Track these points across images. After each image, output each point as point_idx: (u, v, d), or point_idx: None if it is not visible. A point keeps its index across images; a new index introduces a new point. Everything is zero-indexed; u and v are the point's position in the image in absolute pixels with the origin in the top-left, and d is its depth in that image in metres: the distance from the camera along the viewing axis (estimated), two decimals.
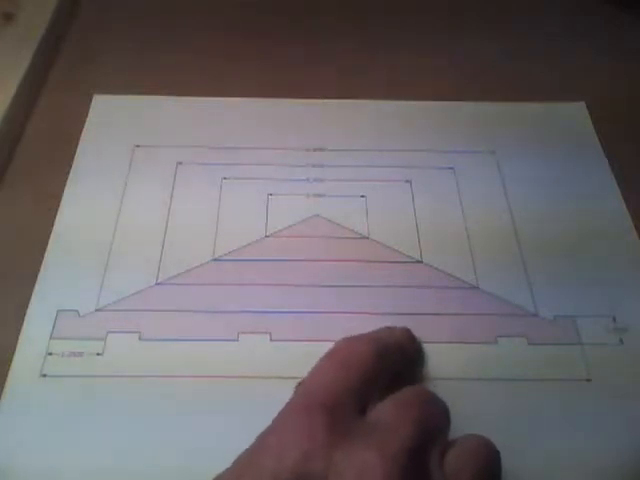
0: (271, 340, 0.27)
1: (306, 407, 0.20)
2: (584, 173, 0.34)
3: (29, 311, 0.28)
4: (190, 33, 0.41)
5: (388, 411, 0.20)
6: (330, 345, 0.27)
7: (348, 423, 0.20)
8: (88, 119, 0.36)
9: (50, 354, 0.27)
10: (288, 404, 0.21)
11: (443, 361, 0.27)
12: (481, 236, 0.31)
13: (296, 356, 0.27)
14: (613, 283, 0.30)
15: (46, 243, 0.30)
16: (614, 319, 0.28)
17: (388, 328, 0.26)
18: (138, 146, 0.34)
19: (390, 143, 0.35)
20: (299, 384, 0.22)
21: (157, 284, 0.29)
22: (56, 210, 0.32)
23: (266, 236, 0.31)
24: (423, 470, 0.19)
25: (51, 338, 0.27)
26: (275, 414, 0.25)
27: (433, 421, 0.20)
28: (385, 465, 0.18)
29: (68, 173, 0.33)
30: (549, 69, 0.40)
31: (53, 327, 0.27)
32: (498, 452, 0.21)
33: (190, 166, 0.34)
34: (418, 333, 0.28)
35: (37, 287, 0.29)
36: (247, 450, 0.20)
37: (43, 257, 0.30)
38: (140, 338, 0.27)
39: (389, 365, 0.23)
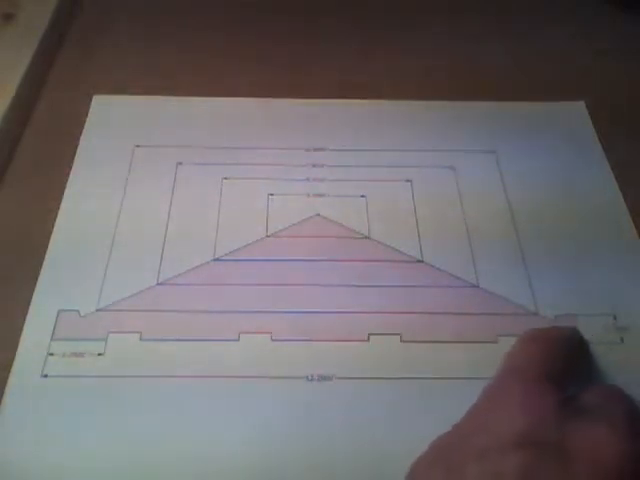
0: (272, 340, 0.27)
1: (535, 378, 0.21)
2: (584, 172, 0.34)
3: (30, 311, 0.28)
4: (190, 33, 0.41)
5: (596, 396, 0.22)
6: (331, 345, 0.27)
7: (570, 397, 0.21)
8: (88, 119, 0.36)
9: (51, 354, 0.27)
10: (509, 371, 0.23)
11: (443, 360, 0.27)
12: (481, 235, 0.31)
13: (297, 356, 0.27)
14: (614, 282, 0.30)
15: (47, 243, 0.30)
16: (615, 318, 0.28)
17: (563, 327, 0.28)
18: (138, 146, 0.34)
19: (390, 143, 0.35)
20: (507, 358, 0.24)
21: (158, 284, 0.29)
22: (56, 210, 0.32)
23: (267, 236, 0.31)
24: None
25: (52, 339, 0.27)
26: (276, 414, 0.25)
27: (635, 406, 0.22)
28: (618, 434, 0.19)
29: (68, 173, 0.33)
30: (549, 69, 0.40)
31: (54, 327, 0.27)
32: None
33: (190, 166, 0.34)
34: (419, 333, 0.28)
35: (38, 287, 0.29)
36: (476, 406, 0.21)
37: (44, 257, 0.30)
38: (141, 338, 0.27)
39: (577, 355, 0.25)
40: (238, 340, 0.27)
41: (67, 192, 0.32)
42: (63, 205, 0.32)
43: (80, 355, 0.27)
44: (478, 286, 0.29)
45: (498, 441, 0.19)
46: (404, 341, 0.28)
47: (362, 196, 0.33)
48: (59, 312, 0.28)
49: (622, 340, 0.28)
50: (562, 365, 0.23)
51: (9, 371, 0.26)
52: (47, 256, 0.30)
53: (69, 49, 0.40)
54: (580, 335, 0.27)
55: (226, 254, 0.30)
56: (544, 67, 0.40)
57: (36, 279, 0.29)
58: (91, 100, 0.37)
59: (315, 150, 0.35)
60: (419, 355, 0.27)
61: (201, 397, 0.26)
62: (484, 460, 0.19)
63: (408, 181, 0.34)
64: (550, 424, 0.19)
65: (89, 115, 0.36)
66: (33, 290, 0.29)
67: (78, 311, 0.28)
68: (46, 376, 0.26)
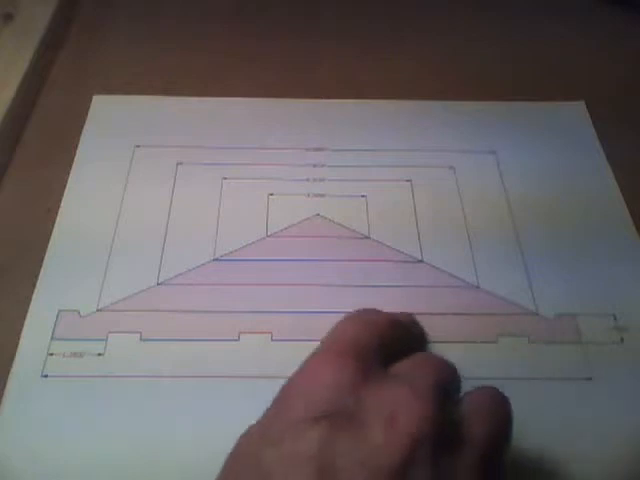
0: (272, 340, 0.27)
1: (335, 352, 0.21)
2: (584, 172, 0.34)
3: (30, 311, 0.28)
4: (190, 33, 0.41)
5: (407, 366, 0.21)
6: None
7: (375, 370, 0.20)
8: (88, 119, 0.36)
9: (51, 354, 0.27)
10: (314, 353, 0.21)
11: None
12: (481, 235, 0.31)
13: (297, 356, 0.27)
14: (614, 282, 0.30)
15: (47, 243, 0.30)
16: (615, 318, 0.28)
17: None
18: (138, 146, 0.34)
19: (390, 143, 0.35)
20: (322, 340, 0.23)
21: (158, 284, 0.29)
22: (57, 210, 0.32)
23: (267, 236, 0.31)
24: (446, 409, 0.19)
25: (52, 338, 0.27)
26: None
27: (448, 372, 0.21)
28: (418, 398, 0.18)
29: (68, 173, 0.33)
30: (549, 69, 0.40)
31: (54, 327, 0.27)
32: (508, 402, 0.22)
33: (190, 166, 0.34)
34: None
35: (38, 287, 0.29)
36: (275, 398, 0.20)
37: (44, 257, 0.30)
38: (141, 338, 0.27)
39: (400, 334, 0.24)
40: (238, 340, 0.27)
41: (67, 192, 0.32)
42: (63, 205, 0.32)
43: (80, 355, 0.27)
44: (478, 286, 0.29)
45: (295, 421, 0.18)
46: None
47: (362, 196, 0.33)
48: (59, 312, 0.28)
49: (622, 340, 0.28)
50: (374, 342, 0.21)
51: (9, 371, 0.26)
52: (47, 256, 0.30)
53: (69, 49, 0.40)
54: (410, 318, 0.26)
55: (226, 254, 0.30)
56: (544, 67, 0.40)
57: (36, 279, 0.29)
58: (91, 100, 0.37)
59: (315, 150, 0.35)
60: None
61: (201, 397, 0.26)
62: (281, 443, 0.18)
63: (408, 181, 0.34)
64: (347, 394, 0.19)
65: (89, 115, 0.36)
66: (33, 290, 0.29)
67: (78, 311, 0.28)
68: (46, 376, 0.26)
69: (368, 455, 0.17)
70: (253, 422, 0.25)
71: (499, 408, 0.21)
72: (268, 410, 0.20)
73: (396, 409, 0.18)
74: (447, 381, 0.21)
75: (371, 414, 0.18)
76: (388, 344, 0.22)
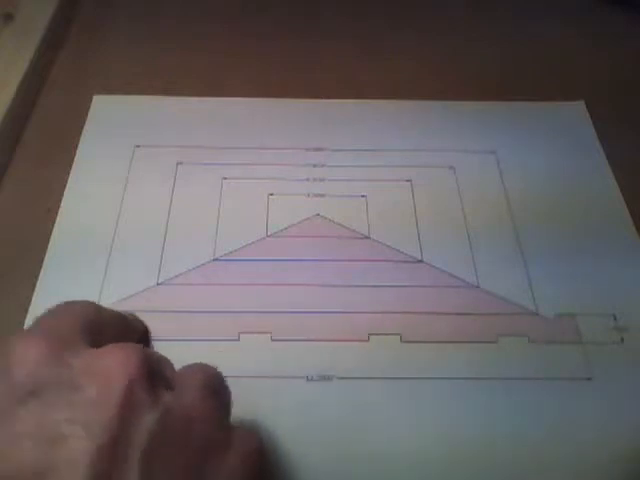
0: (272, 340, 0.27)
1: (26, 333, 0.20)
2: (584, 172, 0.34)
3: (30, 312, 0.28)
4: (190, 33, 0.41)
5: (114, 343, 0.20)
6: (331, 345, 0.27)
7: (75, 344, 0.19)
8: (88, 119, 0.36)
9: None
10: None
11: (443, 360, 0.27)
12: (481, 235, 0.31)
13: (297, 356, 0.27)
14: (614, 282, 0.30)
15: (47, 244, 0.30)
16: (615, 318, 0.28)
17: None
18: (138, 146, 0.34)
19: (390, 143, 0.35)
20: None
21: (158, 284, 0.29)
22: (57, 210, 0.32)
23: (267, 236, 0.31)
24: (153, 362, 0.19)
25: None
26: (275, 414, 0.25)
27: (154, 351, 0.21)
28: (122, 349, 0.19)
29: (68, 173, 0.33)
30: (549, 69, 0.40)
31: None
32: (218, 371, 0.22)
33: (190, 166, 0.34)
34: (419, 333, 0.28)
35: (38, 288, 0.29)
36: None
37: (44, 257, 0.30)
38: None
39: (112, 323, 0.23)
40: (238, 340, 0.27)
41: (67, 192, 0.32)
42: (63, 205, 0.32)
43: None
44: (478, 286, 0.29)
45: (2, 408, 0.17)
46: (404, 341, 0.28)
47: (362, 196, 0.33)
48: None
49: (622, 340, 0.28)
50: (73, 324, 0.20)
51: None
52: (47, 256, 0.30)
53: (69, 49, 0.40)
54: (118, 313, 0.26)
55: (226, 254, 0.30)
56: (544, 67, 0.40)
57: (36, 279, 0.29)
58: (91, 100, 0.37)
59: (315, 150, 0.35)
60: (419, 355, 0.27)
61: None
62: None
63: (408, 181, 0.34)
64: (48, 363, 0.18)
65: (89, 115, 0.36)
66: (33, 290, 0.29)
67: None
68: None
69: (87, 413, 0.17)
70: (253, 421, 0.25)
71: (204, 364, 0.22)
72: None
73: (103, 364, 0.18)
74: (153, 352, 0.21)
75: (81, 377, 0.18)
76: (94, 332, 0.21)
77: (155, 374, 0.19)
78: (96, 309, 0.23)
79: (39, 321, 0.21)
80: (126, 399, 0.17)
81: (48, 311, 0.22)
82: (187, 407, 0.19)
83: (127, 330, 0.25)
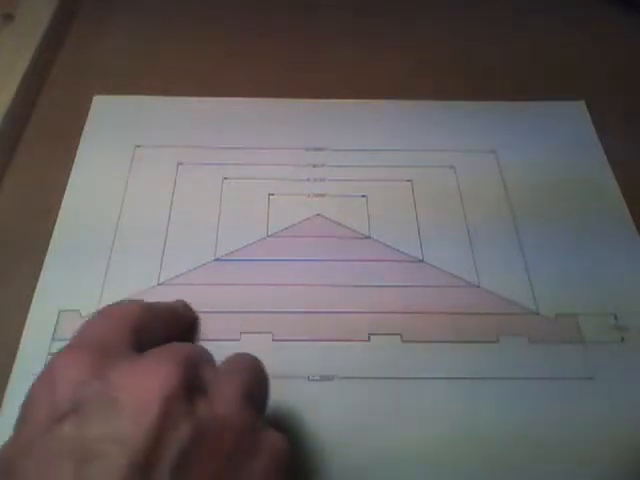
0: (273, 340, 0.27)
1: (72, 348, 0.20)
2: (584, 171, 0.34)
3: (31, 312, 0.28)
4: (190, 33, 0.41)
5: (155, 350, 0.20)
6: (332, 345, 0.27)
7: (119, 354, 0.20)
8: (88, 119, 0.36)
9: (52, 354, 0.26)
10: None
11: (444, 360, 0.27)
12: (482, 235, 0.31)
13: (298, 356, 0.27)
14: (614, 281, 0.30)
15: (47, 244, 0.30)
16: (615, 317, 0.28)
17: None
18: (139, 146, 0.34)
19: (391, 142, 0.35)
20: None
21: (159, 284, 0.29)
22: (57, 210, 0.32)
23: (267, 236, 0.31)
24: (195, 371, 0.19)
25: (53, 339, 0.27)
26: (277, 413, 0.25)
27: (196, 349, 0.21)
28: (161, 364, 0.19)
29: (68, 173, 0.33)
30: (549, 69, 0.40)
31: (55, 328, 0.27)
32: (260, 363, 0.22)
33: (191, 166, 0.34)
34: (419, 333, 0.28)
35: (39, 288, 0.29)
36: (20, 406, 0.19)
37: (44, 258, 0.30)
38: None
39: (161, 322, 0.24)
40: (239, 340, 0.27)
41: (67, 192, 0.32)
42: (64, 205, 0.32)
43: None
44: (479, 286, 0.29)
45: (42, 425, 0.17)
46: (405, 341, 0.28)
47: (362, 196, 0.33)
48: (60, 312, 0.28)
49: (623, 339, 0.28)
50: (122, 334, 0.21)
51: (10, 371, 0.26)
52: (48, 256, 0.30)
53: (69, 49, 0.40)
54: (180, 303, 0.26)
55: (227, 254, 0.30)
56: (544, 67, 0.40)
57: (37, 279, 0.29)
58: (91, 100, 0.37)
59: (315, 150, 0.35)
60: (420, 355, 0.27)
61: None
62: (31, 451, 0.17)
63: (408, 181, 0.34)
64: (88, 382, 0.18)
65: (89, 115, 0.36)
66: (34, 290, 0.29)
67: (79, 311, 0.28)
68: None
69: (122, 429, 0.17)
70: None
71: (246, 360, 0.22)
72: (16, 421, 0.19)
73: (140, 378, 0.18)
74: (195, 354, 0.21)
75: (118, 391, 0.18)
76: (142, 330, 0.22)
77: (193, 386, 0.19)
78: (144, 308, 0.23)
79: (85, 328, 0.21)
80: (161, 416, 0.17)
81: (95, 314, 0.22)
82: (222, 418, 0.19)
83: (177, 323, 0.26)
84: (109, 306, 0.23)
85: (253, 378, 0.21)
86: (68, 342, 0.21)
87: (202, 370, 0.20)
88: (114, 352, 0.20)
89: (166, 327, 0.24)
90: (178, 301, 0.27)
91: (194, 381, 0.19)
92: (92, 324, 0.22)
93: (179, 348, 0.20)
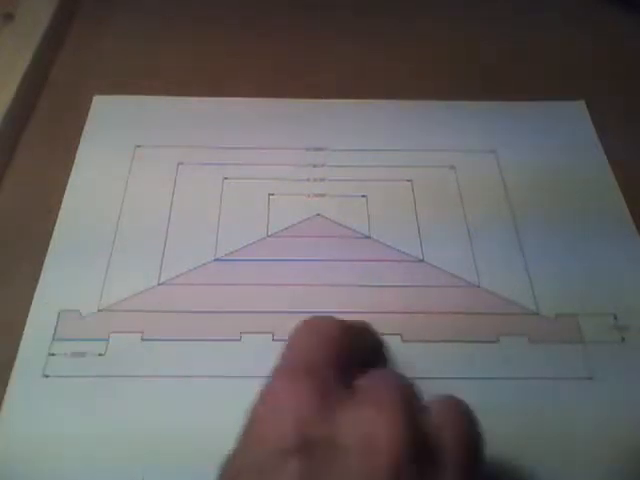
0: (273, 340, 0.27)
1: (289, 375, 0.20)
2: (584, 172, 0.34)
3: (31, 312, 0.28)
4: (190, 33, 0.41)
5: (368, 384, 0.20)
6: None
7: (335, 387, 0.19)
8: (88, 119, 0.36)
9: (52, 355, 0.27)
10: (273, 372, 0.21)
11: (444, 360, 0.27)
12: (482, 235, 0.31)
13: None
14: (614, 281, 0.30)
15: (47, 244, 0.30)
16: (615, 317, 0.28)
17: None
18: (139, 146, 0.34)
19: (391, 142, 0.35)
20: (280, 356, 0.22)
21: (159, 284, 0.29)
22: (57, 210, 0.31)
23: (267, 236, 0.31)
24: (418, 423, 0.19)
25: (53, 339, 0.27)
26: None
27: (409, 385, 0.21)
28: (391, 418, 0.18)
29: (68, 173, 0.33)
30: (549, 69, 0.40)
31: (55, 328, 0.27)
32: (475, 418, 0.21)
33: (191, 166, 0.34)
34: (419, 332, 0.28)
35: (39, 288, 0.29)
36: (244, 426, 0.19)
37: (44, 258, 0.30)
38: (142, 338, 0.27)
39: (357, 343, 0.23)
40: (240, 340, 0.27)
41: (67, 192, 0.32)
42: (64, 205, 0.32)
43: (81, 355, 0.27)
44: (479, 286, 0.29)
45: (271, 451, 0.18)
46: (405, 341, 0.28)
47: (363, 196, 0.33)
48: (60, 312, 0.28)
49: (623, 339, 0.28)
50: (329, 357, 0.21)
51: (10, 371, 0.26)
52: (48, 256, 0.30)
53: (69, 49, 0.40)
54: (365, 325, 0.26)
55: (227, 254, 0.30)
56: (544, 66, 0.40)
57: (37, 279, 0.29)
58: (91, 100, 0.37)
59: (315, 150, 0.35)
60: (420, 355, 0.27)
61: (202, 397, 0.26)
62: (261, 476, 0.17)
63: (408, 181, 0.34)
64: (317, 420, 0.18)
65: (89, 115, 0.36)
66: (34, 290, 0.29)
67: (79, 311, 0.28)
68: (47, 376, 0.26)
69: None
70: None
71: (465, 416, 0.20)
72: (239, 441, 0.19)
73: (371, 433, 0.18)
74: (412, 394, 0.20)
75: (346, 440, 0.17)
76: (344, 356, 0.21)
77: (422, 449, 0.18)
78: (340, 329, 0.22)
79: (293, 344, 0.22)
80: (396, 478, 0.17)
81: (301, 332, 0.22)
82: None
83: (367, 346, 0.25)
84: (313, 320, 0.23)
85: (477, 434, 0.20)
86: (281, 360, 0.21)
87: (421, 419, 0.19)
88: (325, 381, 0.19)
89: (361, 348, 0.24)
90: (360, 323, 0.26)
91: (420, 441, 0.18)
92: (299, 340, 0.22)
93: (398, 389, 0.19)
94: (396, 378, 0.21)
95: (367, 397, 0.19)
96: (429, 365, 0.27)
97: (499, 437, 0.25)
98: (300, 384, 0.19)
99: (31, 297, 0.28)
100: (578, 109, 0.37)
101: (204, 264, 0.30)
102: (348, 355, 0.21)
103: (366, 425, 0.18)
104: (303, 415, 0.18)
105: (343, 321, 0.23)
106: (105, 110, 0.36)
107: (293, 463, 0.17)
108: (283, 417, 0.18)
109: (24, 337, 0.27)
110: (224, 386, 0.26)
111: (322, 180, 0.33)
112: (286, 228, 0.31)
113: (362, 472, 0.17)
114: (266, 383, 0.20)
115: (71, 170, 0.33)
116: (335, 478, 0.17)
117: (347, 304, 0.29)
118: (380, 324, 0.28)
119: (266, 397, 0.20)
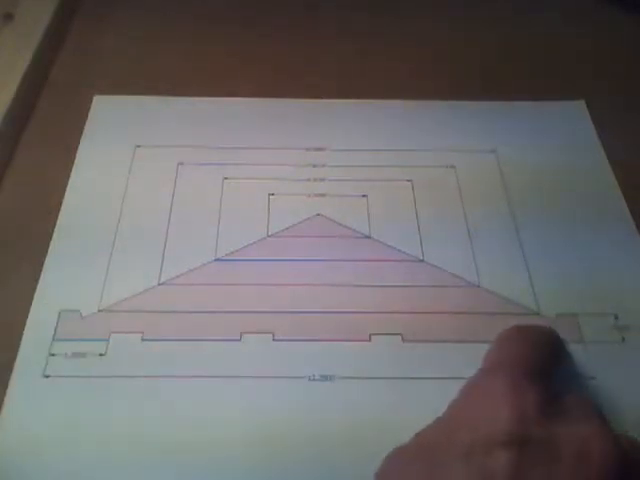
0: (274, 340, 0.27)
1: (512, 373, 0.22)
2: (584, 171, 0.34)
3: (31, 312, 0.28)
4: (190, 33, 0.41)
5: (575, 397, 0.22)
6: (332, 345, 0.27)
7: (548, 395, 0.21)
8: (88, 119, 0.36)
9: (53, 355, 0.27)
10: (484, 373, 0.23)
11: (445, 360, 0.27)
12: (482, 235, 0.31)
13: (298, 356, 0.27)
14: (614, 281, 0.30)
15: (48, 244, 0.30)
16: (616, 317, 0.28)
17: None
18: (139, 146, 0.34)
19: (391, 142, 0.35)
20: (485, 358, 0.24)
21: (159, 284, 0.29)
22: (57, 211, 0.31)
23: (268, 236, 0.31)
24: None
25: (54, 339, 0.27)
26: (277, 414, 0.25)
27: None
28: (603, 436, 0.19)
29: (69, 173, 0.33)
30: (550, 69, 0.40)
31: (56, 328, 0.27)
32: None
33: (191, 166, 0.34)
34: (420, 332, 0.28)
35: (39, 288, 0.29)
36: (446, 414, 0.21)
37: (44, 258, 0.30)
38: (143, 338, 0.27)
39: (555, 352, 0.26)
40: (240, 340, 0.27)
41: (68, 192, 0.32)
42: (64, 205, 0.32)
43: (82, 355, 0.27)
44: (479, 286, 0.29)
45: (484, 438, 0.19)
46: (405, 341, 0.28)
47: (363, 196, 0.33)
48: (60, 312, 0.28)
49: (623, 339, 0.28)
50: (542, 364, 0.23)
51: (11, 371, 0.26)
52: (48, 256, 0.30)
53: (69, 49, 0.40)
54: (557, 335, 0.27)
55: (227, 254, 0.30)
56: (544, 66, 0.40)
57: (37, 279, 0.29)
58: (91, 100, 0.37)
59: (315, 150, 0.35)
60: (420, 355, 0.27)
61: (203, 397, 0.26)
62: (471, 458, 0.19)
63: (408, 181, 0.34)
64: (536, 422, 0.20)
65: (89, 115, 0.36)
66: (34, 290, 0.29)
67: (80, 311, 0.28)
68: (48, 376, 0.26)
69: None
70: (254, 422, 0.25)
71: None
72: (452, 410, 0.21)
73: (587, 443, 0.19)
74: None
75: (562, 446, 0.19)
76: (552, 364, 0.24)
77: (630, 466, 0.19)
78: (550, 341, 0.25)
79: (508, 349, 0.24)
80: None
81: (512, 338, 0.25)
82: None
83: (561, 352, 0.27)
84: (527, 328, 0.26)
85: None
86: (489, 360, 0.24)
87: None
88: (542, 387, 0.21)
89: (557, 360, 0.26)
90: (549, 329, 0.27)
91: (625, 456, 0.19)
92: (515, 345, 0.24)
93: (601, 413, 0.21)
94: (593, 405, 0.22)
95: (580, 415, 0.21)
96: (430, 365, 0.27)
97: None
98: (524, 386, 0.21)
99: (31, 297, 0.28)
100: (578, 109, 0.37)
101: (204, 264, 0.30)
102: (554, 363, 0.24)
103: (583, 438, 0.19)
104: (528, 414, 0.20)
105: (546, 331, 0.25)
106: (105, 110, 0.36)
107: (506, 453, 0.18)
108: (505, 411, 0.20)
109: (24, 337, 0.27)
110: (224, 386, 0.26)
111: (322, 180, 0.33)
112: (286, 228, 0.31)
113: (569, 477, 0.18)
114: (477, 377, 0.22)
115: (71, 170, 0.33)
116: (544, 477, 0.18)
117: (347, 304, 0.29)
118: (380, 324, 0.28)
119: (480, 390, 0.22)
